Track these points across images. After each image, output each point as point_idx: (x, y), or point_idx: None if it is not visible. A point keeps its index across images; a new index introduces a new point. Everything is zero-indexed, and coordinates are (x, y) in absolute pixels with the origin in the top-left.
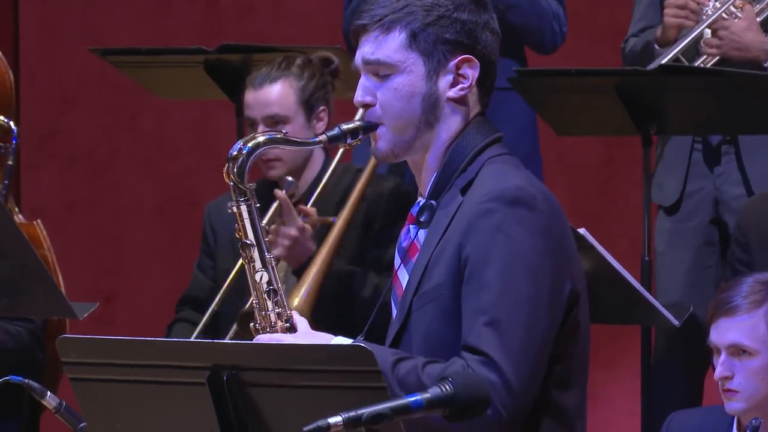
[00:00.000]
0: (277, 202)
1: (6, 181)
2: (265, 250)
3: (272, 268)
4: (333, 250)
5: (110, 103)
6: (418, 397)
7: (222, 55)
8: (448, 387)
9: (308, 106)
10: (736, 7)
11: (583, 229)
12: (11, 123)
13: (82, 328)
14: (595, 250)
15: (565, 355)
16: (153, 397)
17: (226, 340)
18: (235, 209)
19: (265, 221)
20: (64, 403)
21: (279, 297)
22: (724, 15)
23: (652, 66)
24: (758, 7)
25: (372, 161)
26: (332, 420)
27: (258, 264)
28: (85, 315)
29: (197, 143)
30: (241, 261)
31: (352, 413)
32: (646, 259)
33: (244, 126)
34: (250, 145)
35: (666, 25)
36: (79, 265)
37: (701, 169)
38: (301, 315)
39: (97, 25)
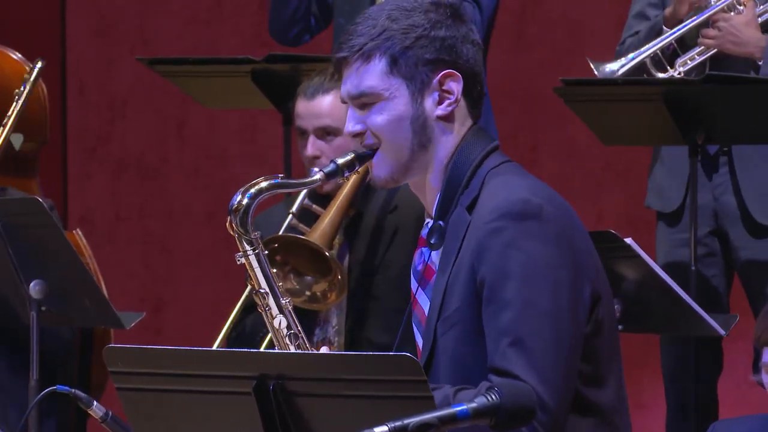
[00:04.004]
0: (305, 190)
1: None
2: (280, 296)
3: (289, 312)
4: (351, 194)
5: (159, 111)
6: (465, 407)
7: (269, 65)
8: (494, 396)
9: None
10: (739, 3)
11: (630, 239)
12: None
13: (130, 337)
14: (642, 259)
15: (591, 354)
16: (199, 407)
17: (272, 350)
18: (243, 260)
19: (297, 203)
20: (110, 413)
21: (300, 340)
22: (725, 8)
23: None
24: (761, 8)
25: None
26: (378, 429)
27: (275, 311)
28: (132, 325)
29: (246, 151)
30: (246, 292)
31: (398, 423)
32: (693, 268)
33: (292, 134)
34: (252, 191)
35: None
36: (128, 272)
37: (700, 178)
38: (319, 247)
39: (146, 33)
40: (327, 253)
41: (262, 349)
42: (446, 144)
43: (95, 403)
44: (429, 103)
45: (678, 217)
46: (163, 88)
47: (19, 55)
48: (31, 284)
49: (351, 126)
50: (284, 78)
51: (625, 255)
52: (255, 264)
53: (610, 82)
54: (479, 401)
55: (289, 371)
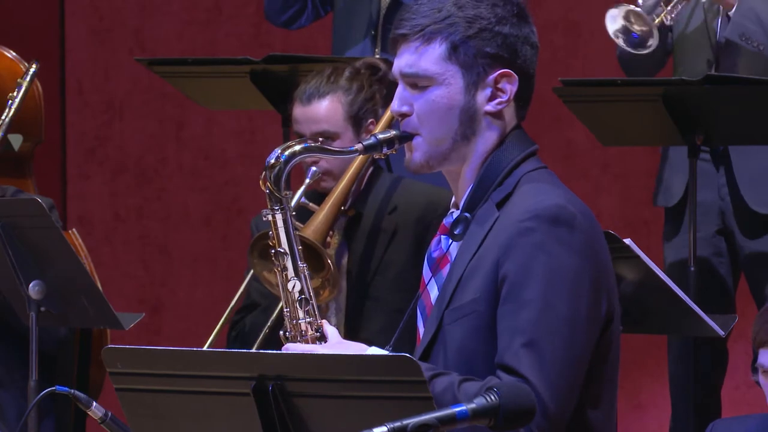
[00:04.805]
0: (304, 185)
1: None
2: (298, 259)
3: (304, 277)
4: (345, 190)
5: (158, 112)
6: (464, 408)
7: (268, 66)
8: (493, 397)
9: (357, 120)
10: None
11: (629, 239)
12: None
13: (128, 338)
14: (641, 260)
15: (595, 374)
16: (198, 408)
17: (271, 351)
18: (270, 217)
19: (294, 202)
20: (110, 414)
21: (310, 306)
22: None
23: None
24: None
25: None
26: (377, 430)
27: (290, 273)
28: (131, 325)
29: (244, 152)
30: (252, 272)
31: (398, 423)
32: (692, 269)
33: (291, 135)
34: (287, 153)
35: None
36: (127, 273)
37: (705, 177)
38: (313, 242)
39: (145, 34)
40: (320, 249)
41: (255, 348)
42: (488, 140)
43: (95, 403)
44: (481, 96)
45: (682, 216)
46: (161, 89)
47: (14, 54)
48: (31, 285)
49: (397, 105)
50: (283, 79)
51: (625, 256)
52: (280, 223)
53: (610, 82)
54: (478, 402)
55: (288, 372)
